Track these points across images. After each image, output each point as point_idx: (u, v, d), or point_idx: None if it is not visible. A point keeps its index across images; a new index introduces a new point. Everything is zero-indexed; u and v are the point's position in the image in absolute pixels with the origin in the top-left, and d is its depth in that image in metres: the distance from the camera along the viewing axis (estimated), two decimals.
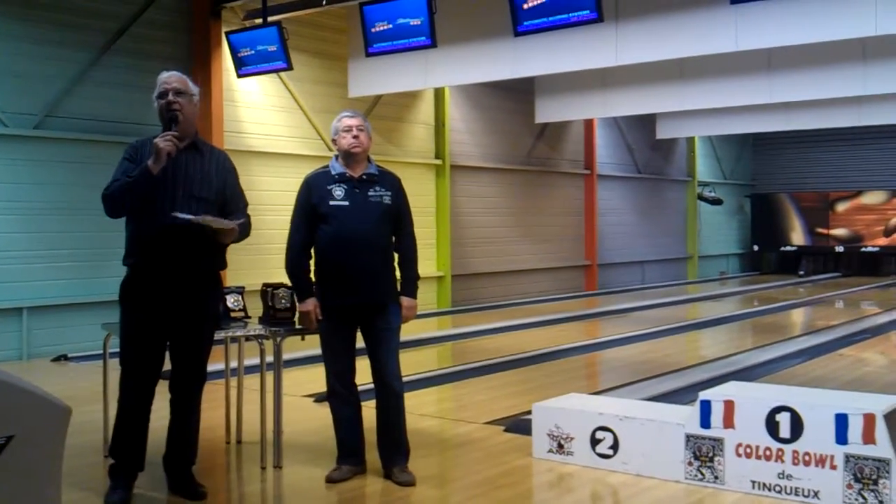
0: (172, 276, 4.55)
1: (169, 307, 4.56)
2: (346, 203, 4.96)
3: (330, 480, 5.05)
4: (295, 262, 5.15)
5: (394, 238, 5.12)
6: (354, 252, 4.92)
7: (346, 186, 5.00)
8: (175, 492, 4.74)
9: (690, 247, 22.88)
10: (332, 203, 4.96)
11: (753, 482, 4.72)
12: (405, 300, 5.07)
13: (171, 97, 4.60)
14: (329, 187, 5.00)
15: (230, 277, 10.94)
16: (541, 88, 15.63)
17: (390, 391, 5.04)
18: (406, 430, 5.13)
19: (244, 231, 4.79)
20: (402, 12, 9.47)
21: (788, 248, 24.43)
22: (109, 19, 10.61)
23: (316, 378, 8.16)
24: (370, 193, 5.00)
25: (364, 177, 5.04)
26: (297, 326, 5.25)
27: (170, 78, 4.68)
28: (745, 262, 25.32)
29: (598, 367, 9.98)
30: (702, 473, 4.87)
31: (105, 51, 10.51)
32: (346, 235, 4.93)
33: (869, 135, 22.46)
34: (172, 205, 4.47)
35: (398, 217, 5.09)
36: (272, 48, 10.57)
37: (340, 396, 5.13)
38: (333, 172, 5.05)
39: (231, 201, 4.75)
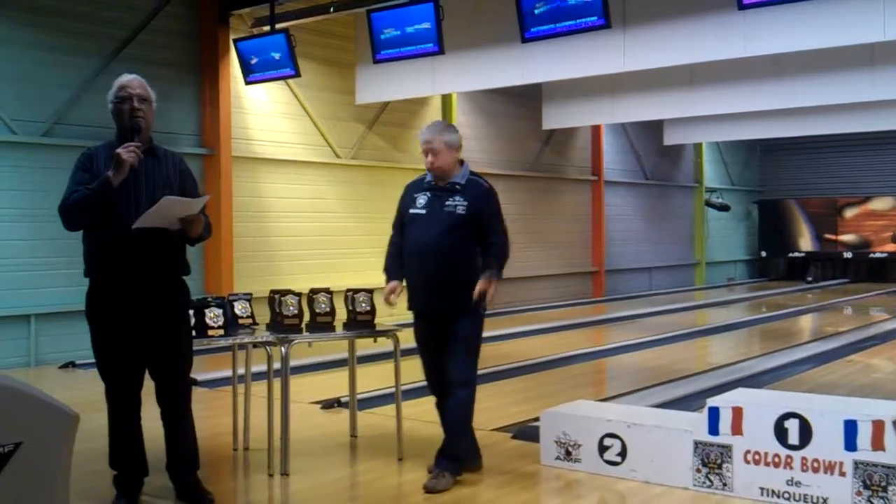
0: (138, 286, 4.49)
1: (138, 318, 4.50)
2: (424, 212, 5.09)
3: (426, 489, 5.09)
4: (388, 255, 5.31)
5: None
6: (420, 260, 5.06)
7: (429, 195, 5.11)
8: (182, 498, 4.73)
9: (698, 253, 22.84)
10: (412, 211, 5.14)
11: (762, 489, 4.70)
12: (479, 283, 4.96)
13: (136, 104, 4.54)
14: (415, 195, 5.17)
15: (238, 284, 10.96)
16: (548, 95, 15.63)
17: (448, 397, 5.13)
18: (459, 439, 5.13)
19: (207, 228, 4.73)
20: (409, 19, 9.49)
21: (796, 254, 24.37)
22: (118, 27, 10.64)
23: (324, 385, 8.18)
24: (447, 203, 5.04)
25: (447, 186, 5.08)
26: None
27: (132, 82, 4.60)
28: (752, 268, 25.26)
29: (605, 374, 9.96)
30: (710, 480, 4.85)
31: (113, 58, 10.54)
32: (415, 243, 5.08)
33: (877, 140, 22.38)
34: (137, 212, 4.40)
35: (478, 226, 5.05)
36: (280, 55, 10.61)
37: (437, 400, 5.28)
38: (425, 180, 5.19)
39: None
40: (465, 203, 5.02)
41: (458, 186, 5.08)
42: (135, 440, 4.63)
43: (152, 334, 4.56)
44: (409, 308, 5.22)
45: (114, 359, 4.53)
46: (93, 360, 9.26)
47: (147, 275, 4.51)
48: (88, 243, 4.58)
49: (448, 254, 5.02)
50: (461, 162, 5.22)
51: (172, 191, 4.55)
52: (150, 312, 4.53)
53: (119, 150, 4.35)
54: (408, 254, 5.13)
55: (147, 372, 4.66)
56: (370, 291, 5.69)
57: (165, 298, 4.60)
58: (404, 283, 5.19)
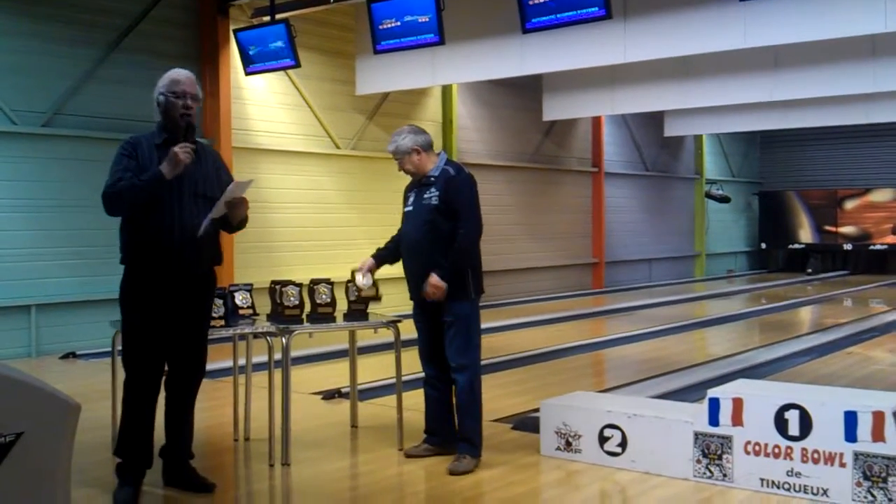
0: (177, 275, 4.55)
1: (173, 307, 4.56)
2: (411, 208, 5.35)
3: (406, 455, 5.41)
4: None
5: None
6: (409, 254, 5.35)
7: (416, 192, 5.36)
8: (177, 485, 4.75)
9: (698, 244, 22.84)
10: (405, 210, 5.40)
11: (762, 480, 4.71)
12: (430, 277, 5.14)
13: (189, 102, 4.61)
14: (408, 193, 5.44)
15: (238, 275, 10.96)
16: (549, 86, 15.60)
17: (451, 380, 5.30)
18: (467, 423, 5.25)
19: (245, 217, 4.83)
20: (409, 9, 9.46)
21: (796, 245, 24.37)
22: (118, 17, 10.62)
23: (324, 375, 8.19)
24: (424, 196, 5.28)
25: (425, 180, 5.31)
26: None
27: (187, 80, 4.65)
28: (752, 259, 25.26)
29: (605, 365, 9.97)
30: (710, 471, 4.86)
31: (113, 48, 10.53)
32: (405, 239, 5.37)
33: (878, 132, 22.37)
34: (180, 205, 4.48)
35: (449, 214, 5.20)
36: (280, 45, 10.58)
37: (425, 375, 5.48)
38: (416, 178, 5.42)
39: None
40: (437, 193, 5.24)
41: (432, 179, 5.30)
42: (149, 429, 4.65)
43: (183, 323, 4.62)
44: (411, 298, 5.42)
45: (144, 347, 4.56)
46: (92, 351, 9.30)
47: (187, 264, 4.57)
48: (129, 232, 4.60)
49: (429, 245, 5.23)
50: (439, 153, 5.46)
51: (213, 184, 4.65)
52: (186, 301, 4.61)
53: (177, 150, 4.43)
54: (402, 249, 5.42)
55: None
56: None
57: (201, 288, 4.70)
58: (372, 262, 5.45)
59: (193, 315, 4.67)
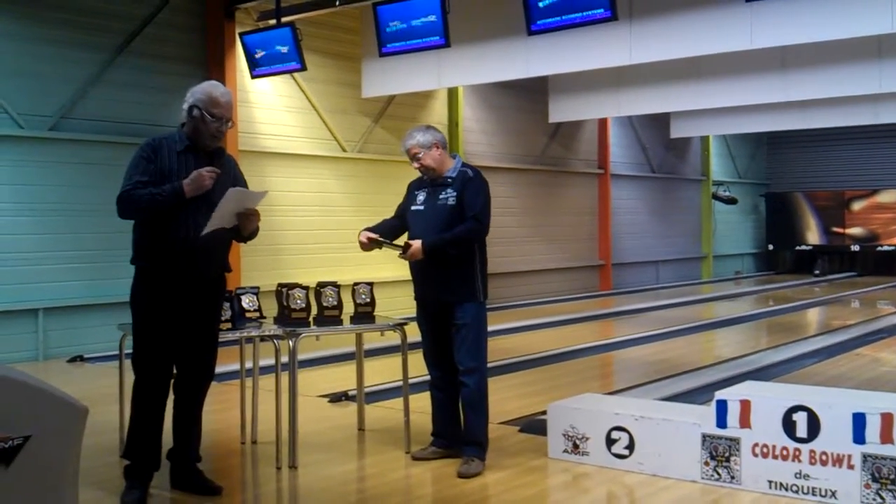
0: (188, 279, 4.57)
1: (182, 310, 4.58)
2: (422, 208, 5.30)
3: (413, 457, 5.41)
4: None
5: None
6: None
7: (427, 192, 5.32)
8: (184, 488, 4.76)
9: (705, 246, 22.79)
10: (413, 208, 5.34)
11: (770, 482, 4.70)
12: (414, 242, 5.17)
13: (223, 127, 4.60)
14: (416, 192, 5.39)
15: (245, 278, 10.97)
16: (554, 88, 15.60)
17: (458, 382, 5.28)
18: (475, 424, 5.24)
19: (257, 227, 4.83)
20: (415, 12, 9.47)
21: (804, 247, 24.30)
22: (124, 21, 10.64)
23: (331, 378, 8.19)
24: (440, 197, 5.24)
25: (441, 181, 5.28)
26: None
27: (226, 104, 4.61)
28: (760, 261, 25.20)
29: (612, 367, 9.96)
30: (718, 473, 4.85)
31: (120, 52, 10.54)
32: (416, 238, 5.21)
33: (885, 133, 22.29)
34: (196, 212, 4.48)
35: (465, 215, 5.19)
36: (286, 49, 10.59)
37: (430, 376, 5.49)
38: (424, 178, 5.38)
39: None
40: (455, 194, 5.22)
41: (449, 180, 5.28)
42: (157, 432, 4.66)
43: (193, 326, 4.63)
44: (415, 298, 5.41)
45: (154, 349, 4.58)
46: (100, 354, 9.31)
47: (198, 269, 4.59)
48: (142, 233, 4.61)
49: None
50: (454, 156, 5.45)
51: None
52: (196, 305, 4.62)
53: (204, 173, 4.47)
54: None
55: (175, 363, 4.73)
56: (370, 284, 5.78)
57: (210, 293, 4.71)
58: (377, 236, 5.27)
59: (203, 318, 4.69)
